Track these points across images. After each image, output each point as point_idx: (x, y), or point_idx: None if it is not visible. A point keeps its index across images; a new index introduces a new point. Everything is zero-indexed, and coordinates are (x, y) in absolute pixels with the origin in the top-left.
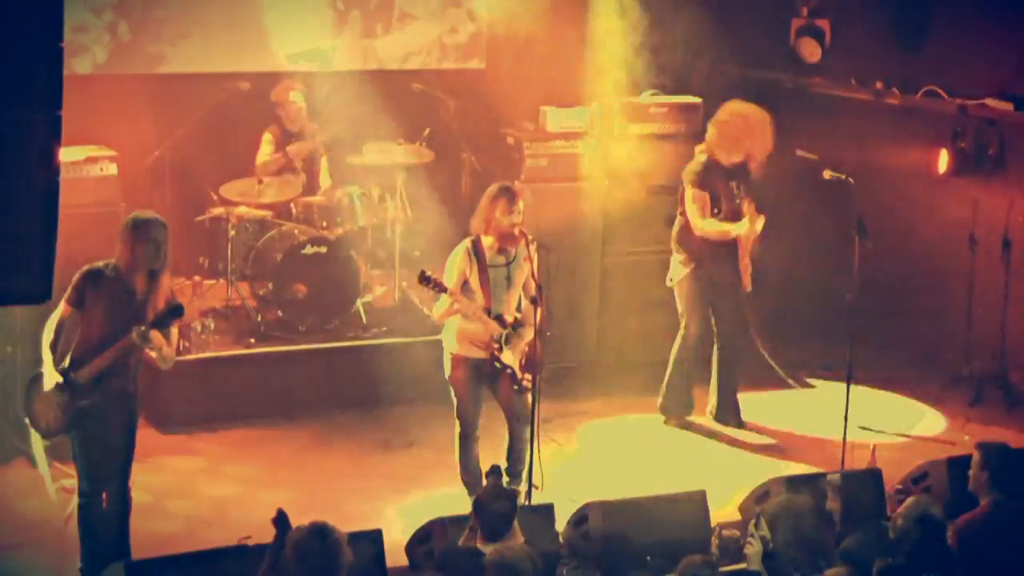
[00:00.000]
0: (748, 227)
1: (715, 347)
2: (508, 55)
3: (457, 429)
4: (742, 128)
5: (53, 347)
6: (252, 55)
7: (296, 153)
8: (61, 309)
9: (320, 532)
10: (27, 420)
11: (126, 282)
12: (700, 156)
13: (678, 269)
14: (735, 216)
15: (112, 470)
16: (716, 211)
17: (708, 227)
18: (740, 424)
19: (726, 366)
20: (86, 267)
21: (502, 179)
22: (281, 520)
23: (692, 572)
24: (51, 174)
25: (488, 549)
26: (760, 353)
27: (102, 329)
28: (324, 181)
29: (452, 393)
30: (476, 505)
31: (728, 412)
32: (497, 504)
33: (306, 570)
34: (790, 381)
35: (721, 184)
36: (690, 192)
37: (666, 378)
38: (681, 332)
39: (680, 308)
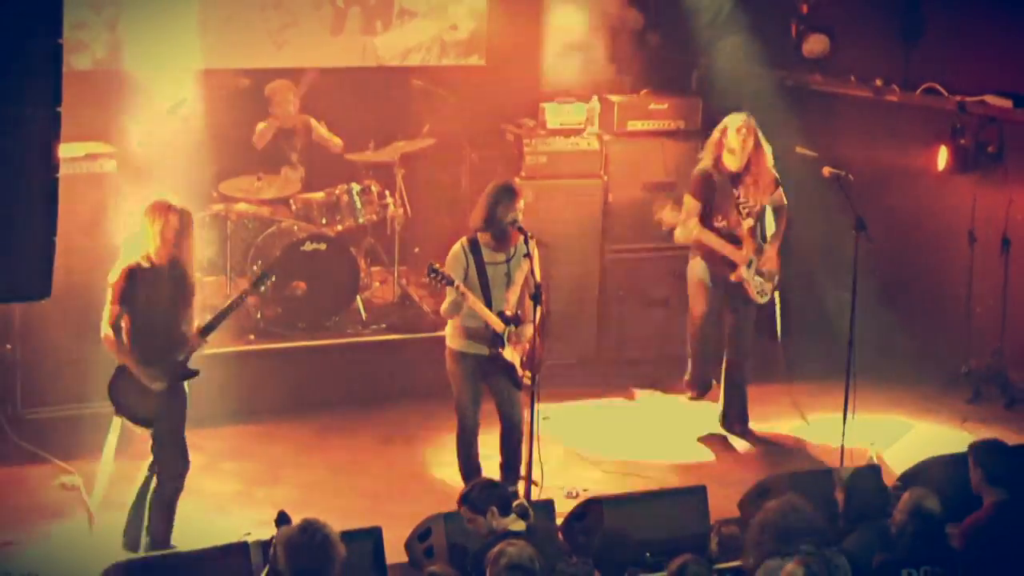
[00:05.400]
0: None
1: (724, 355)
2: (508, 52)
3: (457, 424)
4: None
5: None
6: (252, 52)
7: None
8: (113, 311)
9: (307, 529)
10: (124, 418)
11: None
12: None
13: (691, 262)
14: (738, 226)
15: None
16: (721, 218)
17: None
18: (745, 432)
19: (734, 376)
20: (125, 267)
21: (502, 175)
22: (283, 521)
23: (692, 572)
24: (50, 171)
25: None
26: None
27: (166, 325)
28: (336, 141)
29: (452, 387)
30: (483, 484)
31: (734, 420)
32: (496, 485)
33: (297, 567)
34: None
35: (724, 193)
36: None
37: (689, 353)
38: (688, 317)
39: (688, 290)
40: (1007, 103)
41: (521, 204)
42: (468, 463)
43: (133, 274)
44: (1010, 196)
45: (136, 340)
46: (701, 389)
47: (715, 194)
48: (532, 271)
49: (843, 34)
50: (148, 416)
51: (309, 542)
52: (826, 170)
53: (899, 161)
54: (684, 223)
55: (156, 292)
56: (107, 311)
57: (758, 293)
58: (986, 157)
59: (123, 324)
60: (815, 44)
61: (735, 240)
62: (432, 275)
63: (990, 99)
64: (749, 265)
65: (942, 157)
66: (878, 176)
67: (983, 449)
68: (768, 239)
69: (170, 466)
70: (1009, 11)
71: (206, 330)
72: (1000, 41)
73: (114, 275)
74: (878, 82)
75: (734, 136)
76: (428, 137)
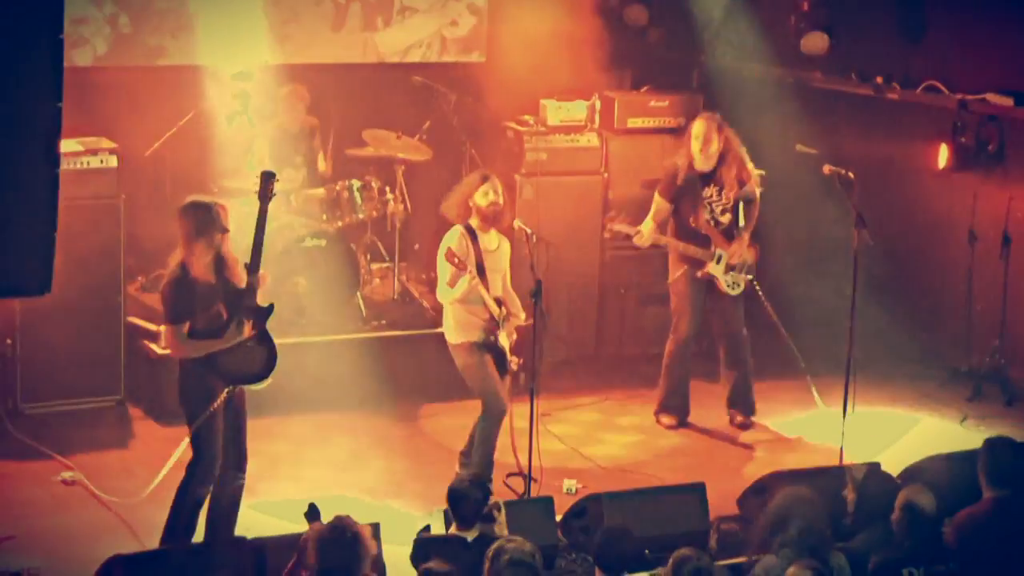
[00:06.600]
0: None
1: (722, 348)
2: (508, 48)
3: (485, 413)
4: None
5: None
6: (252, 47)
7: None
8: (169, 336)
9: (338, 527)
10: (241, 385)
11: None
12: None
13: (673, 269)
14: (716, 227)
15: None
16: (692, 220)
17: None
18: (748, 425)
19: (736, 365)
20: (166, 283)
21: (503, 172)
22: (313, 514)
23: (691, 567)
24: (51, 166)
25: (468, 535)
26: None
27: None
28: (322, 165)
29: (468, 382)
30: (450, 494)
31: (738, 410)
32: (472, 492)
33: (327, 565)
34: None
35: (693, 192)
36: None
37: (661, 381)
38: (671, 334)
39: (672, 307)
40: (1008, 101)
41: (499, 187)
42: (491, 452)
43: (176, 288)
44: (1011, 194)
45: (207, 330)
46: (680, 415)
47: (683, 193)
48: (532, 267)
49: (844, 31)
50: (259, 367)
51: (340, 540)
52: (827, 168)
53: (900, 159)
54: (644, 224)
55: (206, 295)
56: (166, 336)
57: (729, 287)
58: (987, 155)
59: (185, 329)
60: (814, 41)
61: (704, 238)
62: (450, 260)
63: (991, 97)
64: (718, 261)
65: (943, 155)
66: (879, 174)
67: (996, 445)
68: (737, 233)
69: (202, 468)
70: (1010, 9)
71: (253, 267)
72: (1001, 39)
73: (162, 289)
74: (879, 80)
75: (696, 139)
76: (426, 146)
